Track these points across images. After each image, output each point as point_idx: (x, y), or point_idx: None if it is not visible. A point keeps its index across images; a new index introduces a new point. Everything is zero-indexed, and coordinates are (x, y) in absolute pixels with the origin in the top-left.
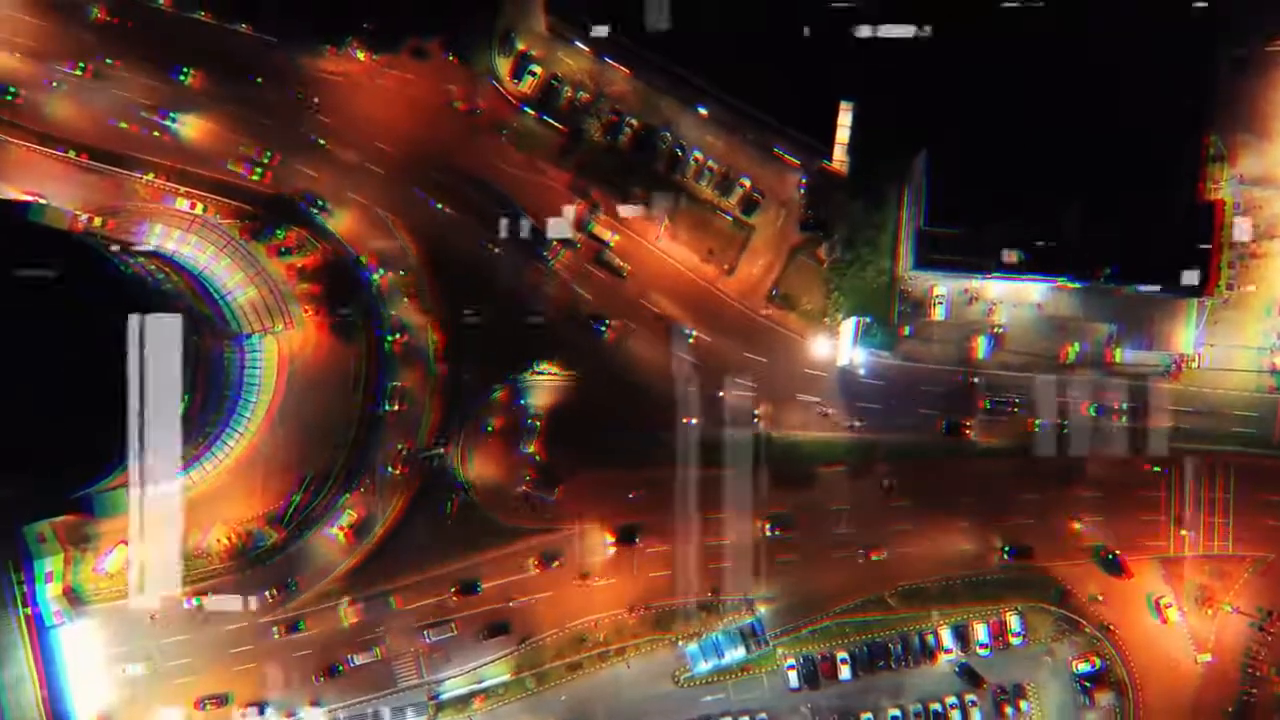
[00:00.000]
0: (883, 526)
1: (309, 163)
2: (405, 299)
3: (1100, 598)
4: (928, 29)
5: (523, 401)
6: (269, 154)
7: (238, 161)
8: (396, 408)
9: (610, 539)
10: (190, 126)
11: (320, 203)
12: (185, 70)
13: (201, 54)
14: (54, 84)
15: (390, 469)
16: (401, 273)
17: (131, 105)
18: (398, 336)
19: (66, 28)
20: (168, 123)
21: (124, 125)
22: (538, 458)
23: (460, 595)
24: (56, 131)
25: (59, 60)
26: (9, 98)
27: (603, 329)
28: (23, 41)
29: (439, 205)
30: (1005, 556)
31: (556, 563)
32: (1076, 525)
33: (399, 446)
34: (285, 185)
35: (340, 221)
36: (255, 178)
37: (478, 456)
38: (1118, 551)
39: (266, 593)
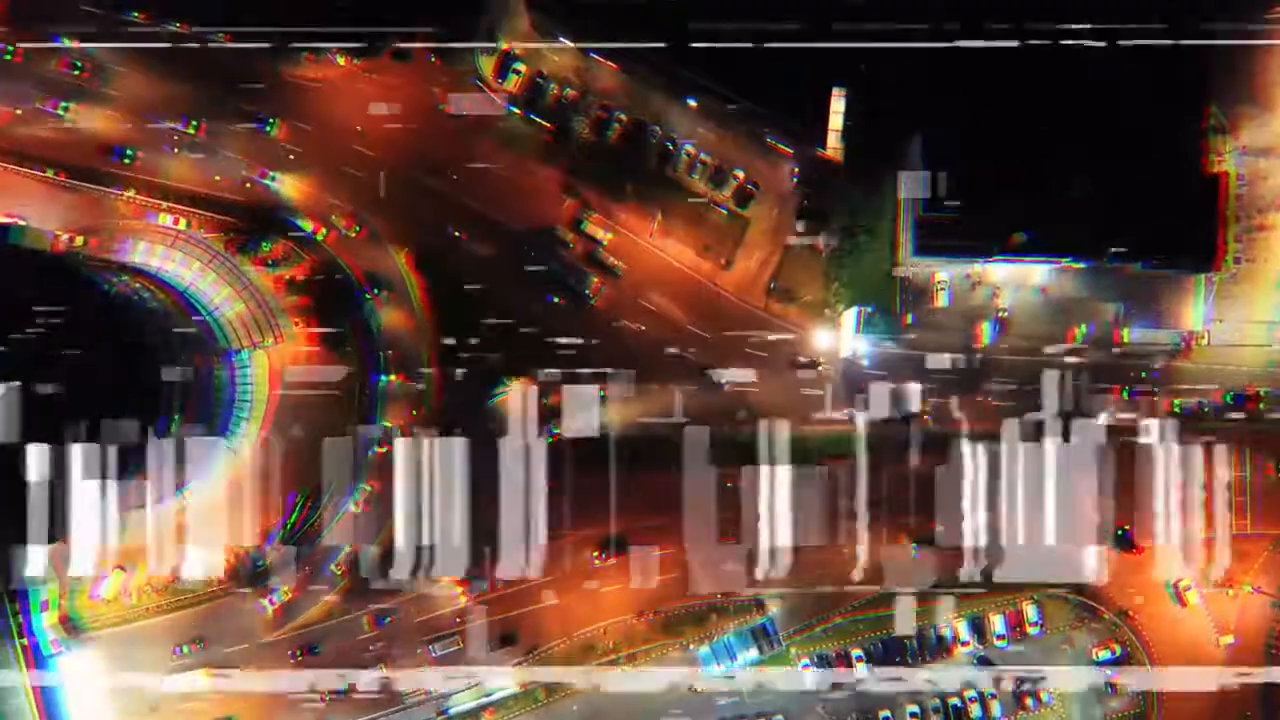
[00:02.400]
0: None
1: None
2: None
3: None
4: None
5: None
6: (358, 226)
7: (308, 218)
8: (361, 509)
9: (459, 589)
10: (289, 186)
11: (378, 289)
12: (271, 121)
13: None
14: (174, 149)
15: (334, 569)
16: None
17: (235, 163)
18: (381, 449)
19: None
20: (267, 181)
21: (217, 178)
22: (549, 440)
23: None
24: (171, 191)
25: (170, 118)
26: (127, 160)
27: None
28: (127, 98)
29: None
30: (915, 553)
31: (389, 620)
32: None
33: (346, 548)
34: (351, 255)
35: (391, 316)
36: (319, 237)
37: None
38: (1128, 527)
39: (181, 647)
